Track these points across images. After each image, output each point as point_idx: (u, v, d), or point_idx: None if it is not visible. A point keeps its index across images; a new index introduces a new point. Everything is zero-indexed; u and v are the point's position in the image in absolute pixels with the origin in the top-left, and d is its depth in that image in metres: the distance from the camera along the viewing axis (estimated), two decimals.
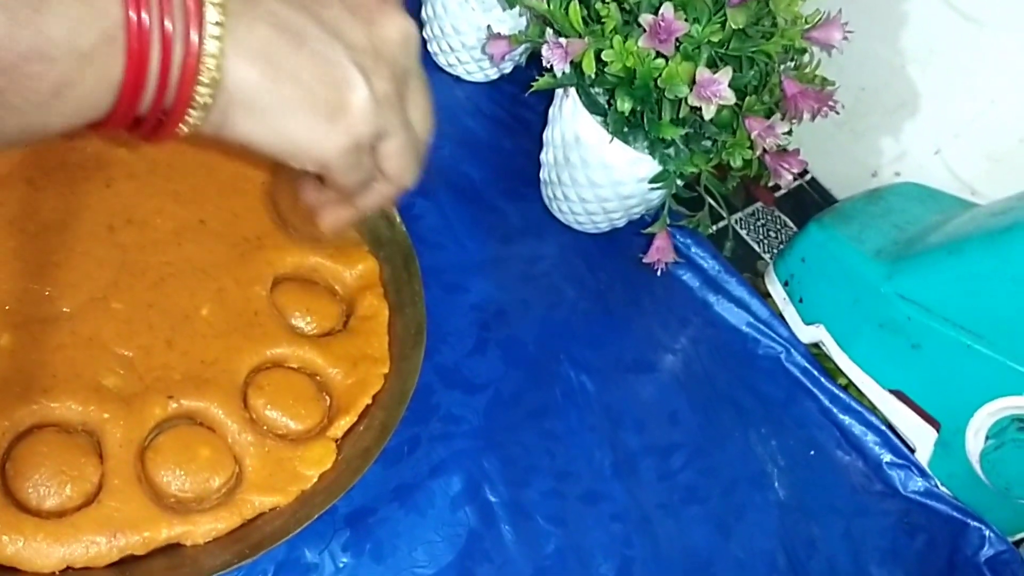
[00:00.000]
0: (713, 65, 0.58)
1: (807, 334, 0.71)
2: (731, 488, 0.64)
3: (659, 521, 0.61)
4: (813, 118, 0.60)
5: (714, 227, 0.72)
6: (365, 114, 0.38)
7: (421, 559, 0.54)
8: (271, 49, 0.36)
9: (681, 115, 0.59)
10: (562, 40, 0.59)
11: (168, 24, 0.34)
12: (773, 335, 0.71)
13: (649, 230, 0.66)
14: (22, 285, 0.53)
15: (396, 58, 0.40)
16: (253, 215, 0.60)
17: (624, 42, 0.57)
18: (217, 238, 0.58)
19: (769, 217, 0.82)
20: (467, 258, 0.68)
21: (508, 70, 0.78)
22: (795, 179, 0.66)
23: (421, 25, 0.76)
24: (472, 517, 0.57)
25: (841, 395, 0.69)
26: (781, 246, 0.78)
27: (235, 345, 0.55)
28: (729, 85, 0.56)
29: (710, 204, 0.65)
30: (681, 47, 0.58)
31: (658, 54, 0.57)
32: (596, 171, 0.65)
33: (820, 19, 0.59)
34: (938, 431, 0.66)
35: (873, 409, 0.69)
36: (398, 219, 0.62)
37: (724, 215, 0.71)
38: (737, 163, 0.60)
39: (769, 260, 0.78)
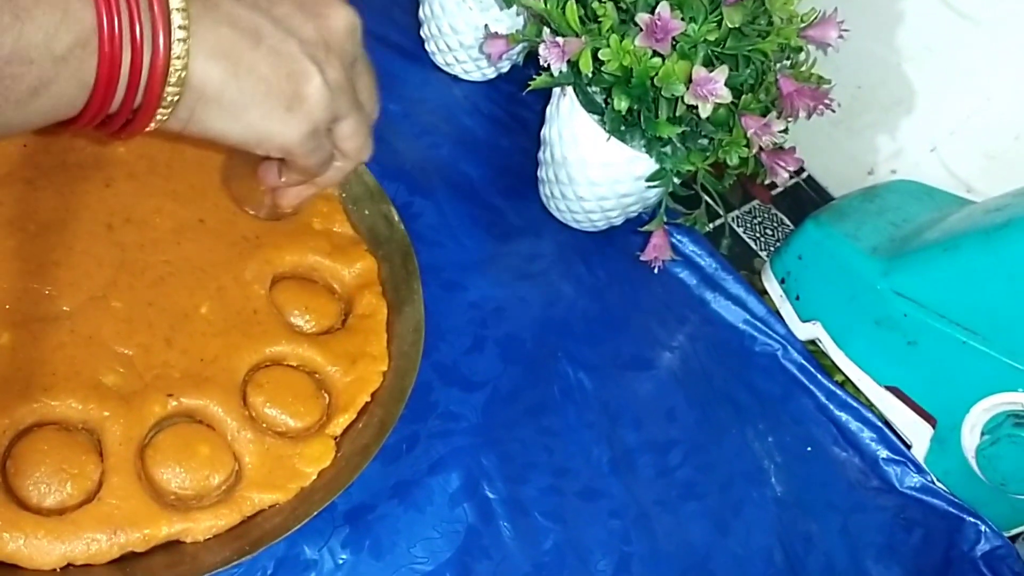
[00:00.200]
0: (709, 64, 0.58)
1: (804, 331, 0.71)
2: (728, 484, 0.64)
3: (657, 517, 0.61)
4: (809, 116, 0.60)
5: (711, 225, 0.72)
6: (321, 101, 0.42)
7: (420, 555, 0.54)
8: (231, 48, 0.39)
9: (678, 113, 0.59)
10: (559, 39, 0.60)
11: (137, 29, 0.36)
12: (770, 332, 0.71)
13: (646, 228, 0.67)
14: (22, 284, 0.53)
15: (344, 47, 0.44)
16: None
17: (621, 41, 0.58)
18: (216, 237, 0.59)
19: (766, 215, 0.82)
20: (465, 256, 0.68)
21: (505, 69, 0.78)
22: (791, 177, 0.66)
23: (419, 24, 0.77)
24: (470, 514, 0.57)
25: (838, 392, 0.70)
26: (778, 244, 0.78)
27: (234, 343, 0.55)
28: (725, 83, 0.56)
29: (707, 202, 0.65)
30: (677, 46, 0.58)
31: (655, 53, 0.58)
32: (593, 169, 0.65)
33: (816, 17, 0.59)
34: (934, 427, 0.66)
35: (869, 405, 0.69)
36: (396, 218, 0.63)
37: (721, 213, 0.71)
38: (733, 161, 0.60)
39: (766, 257, 0.78)
